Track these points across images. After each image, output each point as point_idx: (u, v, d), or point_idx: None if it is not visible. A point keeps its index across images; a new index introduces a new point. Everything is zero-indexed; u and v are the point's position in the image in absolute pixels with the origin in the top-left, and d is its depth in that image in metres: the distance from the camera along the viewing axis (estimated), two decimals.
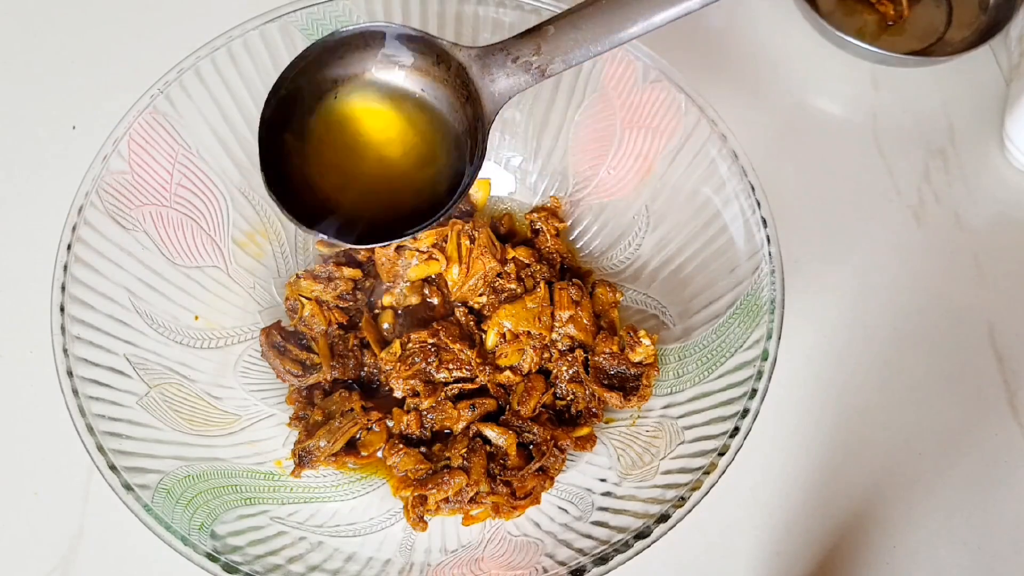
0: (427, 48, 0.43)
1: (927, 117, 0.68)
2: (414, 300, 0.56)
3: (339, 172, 0.44)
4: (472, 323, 0.55)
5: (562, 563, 0.42)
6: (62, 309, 0.44)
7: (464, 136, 0.44)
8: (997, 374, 0.59)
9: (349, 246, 0.45)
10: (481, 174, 0.61)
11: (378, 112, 0.44)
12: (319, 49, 0.42)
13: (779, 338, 0.46)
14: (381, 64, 0.44)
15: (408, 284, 0.56)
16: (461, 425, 0.52)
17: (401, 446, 0.51)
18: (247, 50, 0.51)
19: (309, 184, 0.43)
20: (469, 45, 0.42)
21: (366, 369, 0.55)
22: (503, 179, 0.60)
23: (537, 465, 0.50)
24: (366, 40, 0.43)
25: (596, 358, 0.53)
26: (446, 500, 0.49)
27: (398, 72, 0.44)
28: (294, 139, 0.43)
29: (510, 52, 0.42)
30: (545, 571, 0.42)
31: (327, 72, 0.43)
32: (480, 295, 0.55)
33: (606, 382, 0.53)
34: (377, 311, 0.57)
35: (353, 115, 0.44)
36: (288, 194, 0.42)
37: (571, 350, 0.54)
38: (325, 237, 0.42)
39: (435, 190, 0.44)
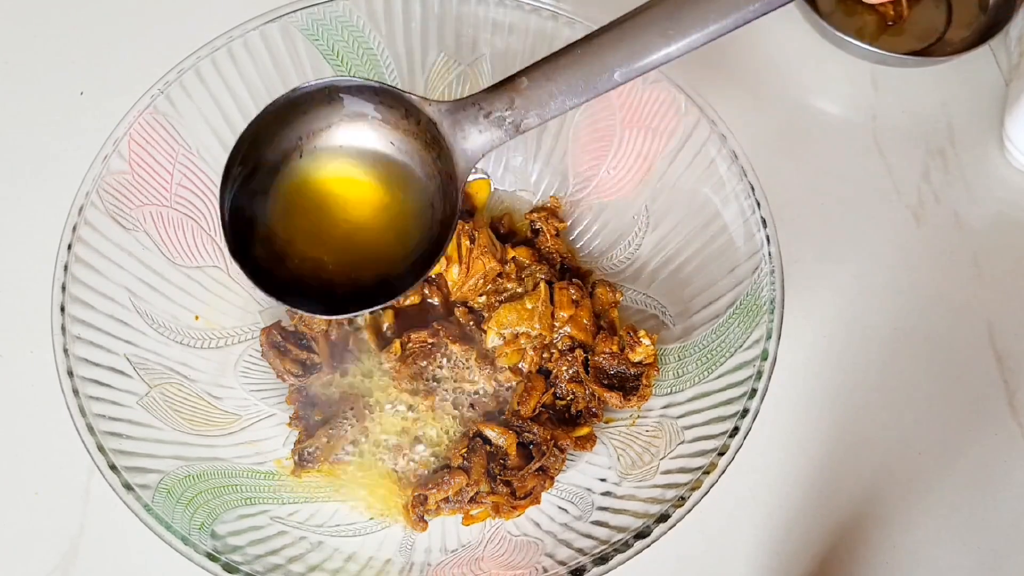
0: (394, 101, 0.40)
1: (927, 117, 0.68)
2: (414, 300, 0.56)
3: (308, 235, 0.42)
4: (472, 323, 0.55)
5: (562, 563, 0.42)
6: (63, 309, 0.44)
7: (438, 193, 0.41)
8: (996, 374, 0.59)
9: (320, 316, 0.43)
10: (480, 175, 0.61)
11: (346, 169, 0.42)
12: (280, 105, 0.40)
13: (779, 338, 0.46)
14: (347, 118, 0.41)
15: None
16: None
17: None
18: (247, 50, 0.51)
19: (277, 250, 0.41)
20: (438, 99, 0.40)
21: None
22: (504, 179, 0.61)
23: (537, 465, 0.50)
24: (329, 94, 0.40)
25: (596, 358, 0.53)
26: (446, 500, 0.49)
27: (365, 126, 0.42)
28: (260, 203, 0.41)
29: (482, 107, 0.39)
30: (545, 571, 0.42)
31: (291, 130, 0.41)
32: (480, 295, 0.55)
33: (606, 382, 0.53)
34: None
35: (320, 174, 0.42)
36: (257, 261, 0.40)
37: (571, 350, 0.54)
38: (296, 311, 0.40)
39: (409, 250, 0.42)
